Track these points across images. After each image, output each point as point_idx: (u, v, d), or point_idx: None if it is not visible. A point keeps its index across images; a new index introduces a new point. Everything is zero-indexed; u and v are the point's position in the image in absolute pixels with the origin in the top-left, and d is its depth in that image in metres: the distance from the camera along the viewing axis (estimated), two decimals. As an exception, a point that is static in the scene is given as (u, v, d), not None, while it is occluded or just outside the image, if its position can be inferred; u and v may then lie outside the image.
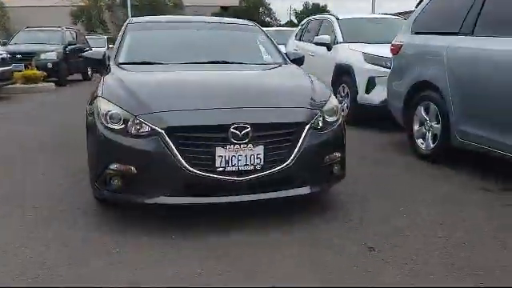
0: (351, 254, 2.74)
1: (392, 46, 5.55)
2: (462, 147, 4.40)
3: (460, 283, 2.41)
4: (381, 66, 6.46)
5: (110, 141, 3.00)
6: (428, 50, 4.80)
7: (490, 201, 3.66)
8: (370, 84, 6.47)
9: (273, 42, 4.68)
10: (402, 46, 5.32)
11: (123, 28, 4.56)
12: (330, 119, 3.28)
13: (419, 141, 4.99)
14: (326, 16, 8.47)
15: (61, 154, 5.13)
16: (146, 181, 2.95)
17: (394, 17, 8.49)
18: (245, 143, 2.92)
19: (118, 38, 4.44)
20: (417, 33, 5.18)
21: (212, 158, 2.91)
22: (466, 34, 4.37)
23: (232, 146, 2.91)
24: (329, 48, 7.52)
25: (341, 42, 7.39)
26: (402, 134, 5.54)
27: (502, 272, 2.53)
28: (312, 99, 3.30)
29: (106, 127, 3.03)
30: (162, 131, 2.88)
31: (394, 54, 5.50)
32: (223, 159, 2.91)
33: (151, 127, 2.91)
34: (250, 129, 2.91)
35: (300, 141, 3.05)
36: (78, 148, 5.22)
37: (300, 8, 36.21)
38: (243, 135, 2.90)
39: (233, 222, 3.14)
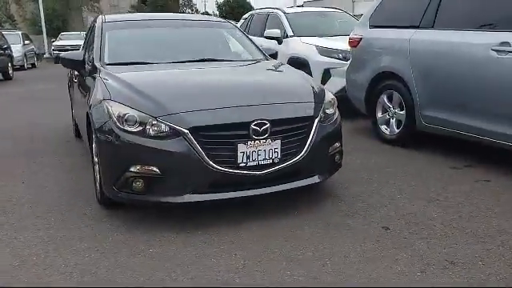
0: (370, 234, 3.00)
1: (350, 39, 5.90)
2: (428, 131, 4.85)
3: (485, 247, 2.76)
4: (334, 58, 6.85)
5: (128, 143, 3.01)
6: (390, 43, 5.18)
7: (461, 177, 4.10)
8: (326, 75, 6.81)
9: (249, 39, 4.82)
10: (361, 39, 5.68)
11: (98, 27, 4.46)
12: (329, 111, 3.51)
13: (383, 127, 5.39)
14: (271, 10, 8.68)
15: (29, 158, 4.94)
16: (170, 181, 3.01)
17: (336, 10, 8.90)
18: (264, 138, 3.07)
19: (96, 37, 4.34)
20: (375, 26, 5.56)
21: (234, 154, 3.03)
22: (426, 28, 4.79)
23: (253, 141, 3.05)
24: (279, 42, 7.76)
25: (291, 36, 7.68)
26: (365, 121, 5.94)
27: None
28: (314, 93, 3.51)
29: (123, 130, 3.03)
30: (187, 131, 2.95)
31: (352, 47, 5.86)
32: (244, 155, 3.04)
33: (174, 128, 2.97)
34: (268, 125, 3.07)
35: (311, 133, 3.25)
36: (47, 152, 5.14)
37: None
38: (263, 131, 3.05)
39: (245, 215, 3.29)
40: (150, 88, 3.30)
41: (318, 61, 6.90)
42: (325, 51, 6.91)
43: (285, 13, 8.16)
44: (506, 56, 3.91)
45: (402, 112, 5.09)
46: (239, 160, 3.04)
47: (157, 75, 3.74)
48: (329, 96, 3.61)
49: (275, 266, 2.63)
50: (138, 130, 3.03)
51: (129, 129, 3.03)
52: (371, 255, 2.73)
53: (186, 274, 2.57)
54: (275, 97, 3.34)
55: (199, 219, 3.23)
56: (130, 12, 35.92)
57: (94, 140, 3.38)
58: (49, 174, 4.42)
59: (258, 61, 4.41)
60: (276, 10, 8.43)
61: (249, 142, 3.04)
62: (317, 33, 7.69)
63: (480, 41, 4.15)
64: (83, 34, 28.63)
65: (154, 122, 3.01)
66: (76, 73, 4.78)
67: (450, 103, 4.50)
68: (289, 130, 3.18)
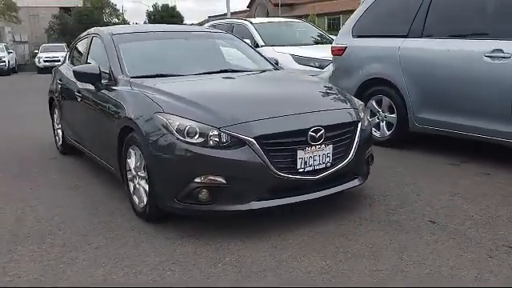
0: (422, 228, 3.24)
1: (333, 48, 6.20)
2: (421, 131, 5.25)
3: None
4: (311, 66, 7.15)
5: (193, 155, 3.03)
6: (379, 51, 5.53)
7: (463, 172, 4.50)
8: (304, 83, 7.08)
9: (254, 49, 4.95)
10: (345, 48, 5.99)
11: (107, 39, 4.37)
12: (361, 115, 3.73)
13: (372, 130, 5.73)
14: (236, 21, 8.86)
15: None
16: (235, 189, 3.06)
17: (296, 20, 9.24)
18: (319, 144, 3.22)
19: (108, 50, 4.25)
20: (359, 36, 5.90)
21: (294, 160, 3.15)
22: (415, 37, 5.19)
23: (310, 147, 3.19)
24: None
25: (262, 46, 7.88)
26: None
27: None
28: (348, 99, 3.73)
29: (186, 142, 3.05)
30: (253, 140, 3.03)
31: (336, 56, 6.16)
32: (303, 161, 3.18)
33: (239, 137, 3.04)
34: (323, 130, 3.22)
35: (356, 137, 3.45)
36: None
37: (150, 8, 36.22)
38: (319, 137, 3.21)
39: (292, 220, 3.40)
40: (202, 99, 3.34)
41: (295, 69, 7.14)
42: (301, 60, 7.20)
43: (252, 23, 8.36)
44: (500, 61, 4.37)
45: (392, 115, 5.46)
46: (298, 166, 3.16)
47: (199, 86, 3.76)
48: (358, 101, 3.84)
49: (357, 263, 2.79)
50: (199, 141, 3.05)
51: (191, 140, 3.05)
52: (436, 247, 2.97)
53: (278, 277, 2.65)
54: (322, 104, 3.52)
55: (252, 226, 3.28)
56: (52, 22, 34.36)
57: (140, 154, 3.33)
58: (58, 194, 4.24)
59: (271, 70, 4.54)
60: (242, 21, 8.62)
61: (306, 148, 3.18)
62: (285, 42, 7.99)
63: (474, 48, 4.59)
64: (3, 45, 26.93)
65: (215, 133, 3.05)
66: (78, 86, 4.61)
67: (443, 105, 4.91)
68: (339, 135, 3.35)
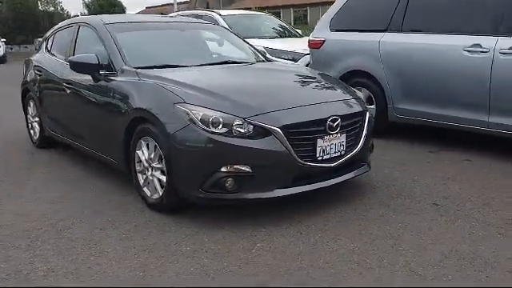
0: (429, 211, 3.47)
1: (311, 41, 6.37)
2: (400, 121, 5.53)
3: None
4: (284, 59, 7.27)
5: (219, 145, 3.07)
6: (359, 44, 5.75)
7: (444, 158, 4.81)
8: (278, 75, 7.20)
9: (244, 40, 5.01)
10: (324, 41, 6.18)
11: (100, 29, 4.26)
12: (366, 106, 3.91)
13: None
14: (204, 12, 8.82)
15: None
16: (260, 178, 3.14)
17: (262, 13, 9.34)
18: (336, 133, 3.36)
19: (104, 40, 4.15)
20: (337, 30, 6.10)
21: (313, 149, 3.27)
22: (394, 31, 5.45)
23: (328, 136, 3.32)
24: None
25: (233, 38, 7.90)
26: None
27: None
28: (351, 90, 3.90)
29: (211, 132, 3.08)
30: (279, 129, 3.11)
31: (314, 49, 6.33)
32: (321, 149, 3.30)
33: (264, 127, 3.10)
34: (340, 120, 3.36)
35: (365, 126, 3.62)
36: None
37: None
38: (336, 126, 3.34)
39: (304, 208, 3.52)
40: (221, 89, 3.37)
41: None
42: (275, 52, 7.29)
43: (220, 15, 8.36)
44: (478, 55, 4.70)
45: (371, 106, 5.69)
46: (317, 154, 3.29)
47: (210, 77, 3.78)
48: (359, 92, 4.02)
49: (383, 244, 2.95)
50: (223, 131, 3.09)
51: (215, 130, 3.08)
52: (448, 227, 3.20)
53: (316, 261, 2.75)
54: (333, 94, 3.66)
55: (269, 214, 3.36)
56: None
57: (155, 145, 3.32)
58: (53, 188, 4.11)
59: (266, 61, 4.63)
60: (210, 13, 8.59)
61: (325, 137, 3.30)
62: (254, 34, 8.05)
63: (453, 42, 4.90)
64: None
65: (239, 123, 3.10)
66: (67, 77, 4.46)
67: (423, 96, 5.21)
68: (351, 124, 3.51)
